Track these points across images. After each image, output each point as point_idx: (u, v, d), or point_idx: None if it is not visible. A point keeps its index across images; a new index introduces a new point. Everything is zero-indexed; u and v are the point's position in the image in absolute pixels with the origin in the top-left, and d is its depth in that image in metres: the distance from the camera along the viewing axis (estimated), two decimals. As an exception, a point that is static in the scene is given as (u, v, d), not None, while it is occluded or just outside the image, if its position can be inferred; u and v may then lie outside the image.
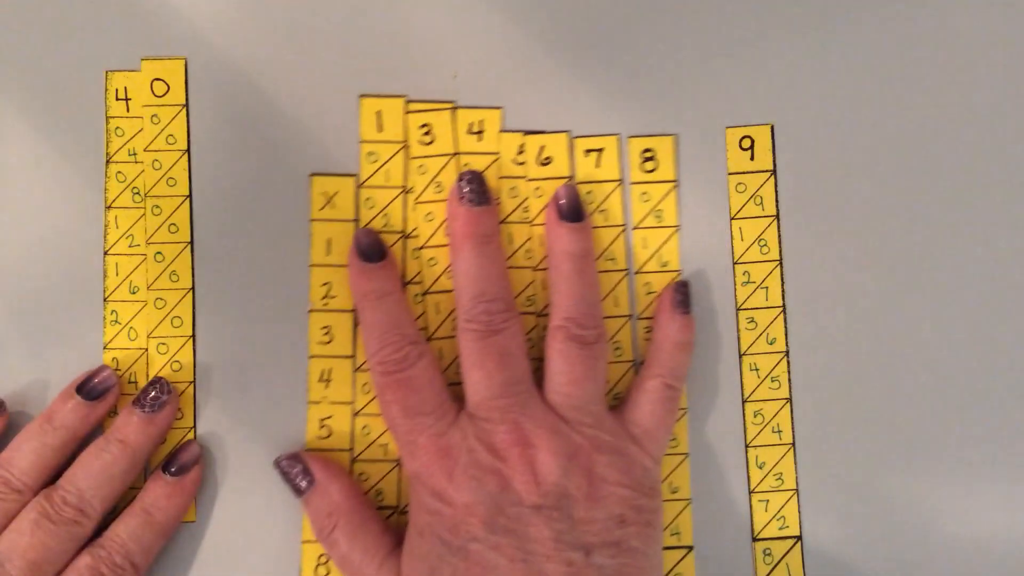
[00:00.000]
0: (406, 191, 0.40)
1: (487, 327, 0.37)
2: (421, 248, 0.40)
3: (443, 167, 0.40)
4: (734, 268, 0.41)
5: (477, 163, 0.40)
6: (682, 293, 0.39)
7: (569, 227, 0.39)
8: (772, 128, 0.41)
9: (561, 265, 0.38)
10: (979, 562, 0.40)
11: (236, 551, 0.39)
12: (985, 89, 0.41)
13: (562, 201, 0.39)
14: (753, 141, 0.41)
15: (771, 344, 0.40)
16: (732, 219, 0.41)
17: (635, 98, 0.41)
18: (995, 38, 0.41)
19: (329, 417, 0.40)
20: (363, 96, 0.40)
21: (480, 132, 0.40)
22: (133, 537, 0.37)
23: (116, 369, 0.39)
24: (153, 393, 0.39)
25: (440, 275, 0.40)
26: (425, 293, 0.40)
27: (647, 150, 0.41)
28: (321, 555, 0.39)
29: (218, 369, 0.40)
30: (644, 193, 0.41)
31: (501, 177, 0.40)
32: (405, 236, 0.40)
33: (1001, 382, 0.41)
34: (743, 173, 0.41)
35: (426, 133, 0.40)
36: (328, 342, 0.40)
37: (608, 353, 0.39)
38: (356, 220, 0.40)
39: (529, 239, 0.40)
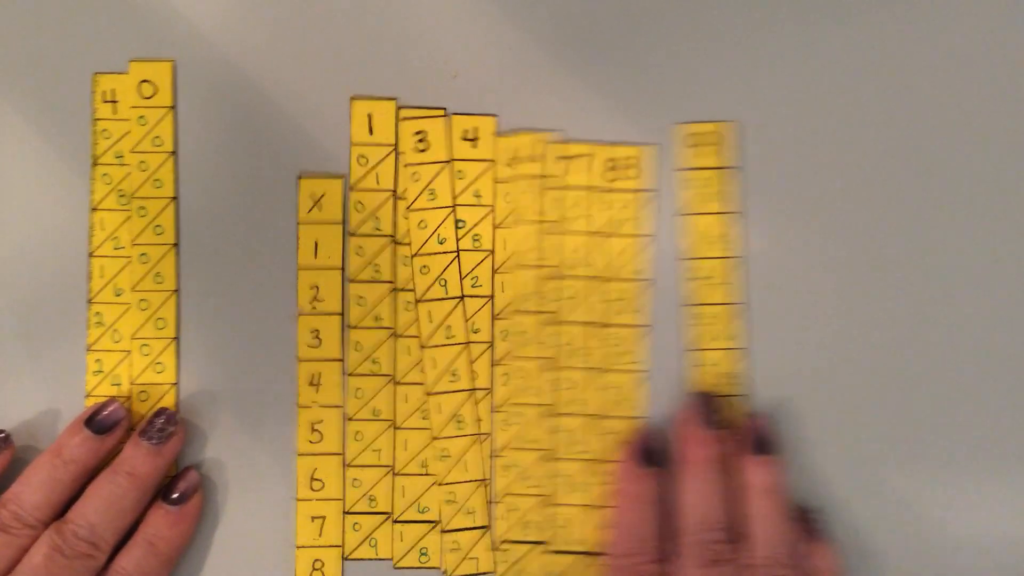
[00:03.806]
0: (397, 196, 0.40)
1: (713, 555, 0.37)
2: (414, 256, 0.40)
3: (437, 174, 0.40)
4: (694, 265, 0.40)
5: (471, 170, 0.41)
6: (761, 434, 0.39)
7: (759, 460, 0.39)
8: (735, 125, 0.41)
9: (755, 500, 0.38)
10: (981, 562, 0.40)
11: (234, 552, 0.39)
12: (955, 83, 0.41)
13: (757, 434, 0.39)
14: (717, 137, 0.41)
15: (729, 341, 0.40)
16: (691, 215, 0.40)
17: (612, 98, 0.41)
18: (963, 32, 0.41)
19: (320, 421, 0.40)
20: (354, 98, 0.41)
21: (475, 139, 0.41)
22: (138, 569, 0.37)
23: (116, 391, 0.40)
24: (160, 424, 0.38)
25: (432, 283, 0.40)
26: (418, 301, 0.40)
27: (612, 159, 0.41)
28: (316, 559, 0.39)
29: (201, 371, 0.40)
30: (612, 201, 0.41)
31: (497, 181, 0.41)
32: (395, 241, 0.41)
33: (1001, 380, 0.41)
34: (705, 169, 0.41)
35: (420, 140, 0.40)
36: (317, 346, 0.40)
37: None
38: (344, 222, 0.40)
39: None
